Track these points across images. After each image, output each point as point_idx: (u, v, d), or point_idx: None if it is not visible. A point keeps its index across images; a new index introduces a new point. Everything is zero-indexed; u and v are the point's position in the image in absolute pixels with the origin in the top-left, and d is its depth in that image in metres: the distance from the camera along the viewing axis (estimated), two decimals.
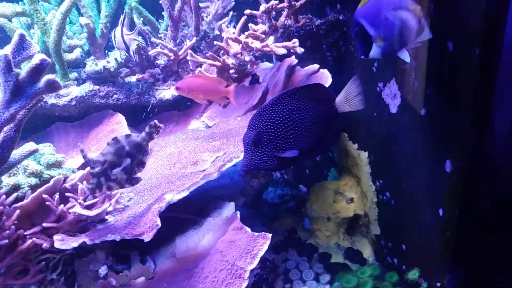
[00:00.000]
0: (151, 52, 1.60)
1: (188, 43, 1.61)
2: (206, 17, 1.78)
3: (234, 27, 1.70)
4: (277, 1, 1.44)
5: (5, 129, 0.95)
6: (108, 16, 1.74)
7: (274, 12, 1.49)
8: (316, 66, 1.35)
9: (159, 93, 1.64)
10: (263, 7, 1.42)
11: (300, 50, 1.30)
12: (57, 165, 1.27)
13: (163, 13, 1.88)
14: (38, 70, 0.89)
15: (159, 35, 1.81)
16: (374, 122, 1.44)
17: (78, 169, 1.31)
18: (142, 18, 1.80)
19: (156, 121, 1.08)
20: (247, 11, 1.45)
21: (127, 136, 1.07)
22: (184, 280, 1.15)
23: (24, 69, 0.89)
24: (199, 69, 1.56)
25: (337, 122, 1.06)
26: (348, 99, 1.02)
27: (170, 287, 1.16)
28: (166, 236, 1.25)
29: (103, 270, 1.17)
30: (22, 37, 1.03)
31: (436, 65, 1.12)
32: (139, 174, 1.09)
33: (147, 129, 1.09)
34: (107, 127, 1.58)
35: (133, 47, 1.53)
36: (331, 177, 1.83)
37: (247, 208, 1.79)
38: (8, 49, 1.01)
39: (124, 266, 1.23)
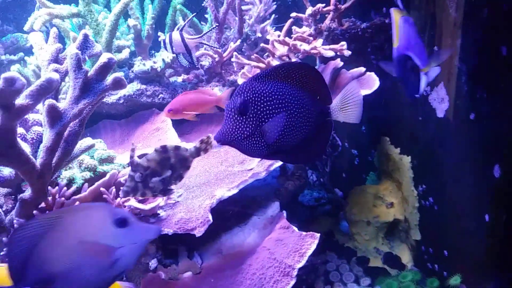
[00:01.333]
0: (197, 53, 1.64)
1: (232, 45, 1.65)
2: (248, 19, 1.81)
3: (278, 30, 1.73)
4: (323, 4, 1.46)
5: (71, 124, 1.00)
6: (154, 18, 1.80)
7: (319, 15, 1.51)
8: (362, 69, 1.36)
9: None
10: (309, 10, 1.44)
11: (347, 52, 1.32)
12: (109, 160, 1.32)
13: (205, 15, 1.93)
14: (106, 68, 0.93)
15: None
16: (419, 126, 1.44)
17: (129, 164, 1.36)
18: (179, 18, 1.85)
19: (210, 135, 1.04)
20: (293, 14, 1.47)
21: (176, 147, 1.04)
22: (231, 276, 1.17)
23: (93, 67, 0.93)
24: (242, 70, 1.59)
25: (326, 131, 0.89)
26: (345, 107, 0.85)
27: (217, 283, 1.18)
28: (212, 232, 1.28)
29: (153, 263, 1.20)
30: (86, 37, 1.09)
31: (488, 70, 1.12)
32: (173, 186, 1.10)
33: (197, 143, 1.05)
34: (152, 125, 1.63)
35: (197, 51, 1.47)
36: (369, 181, 1.83)
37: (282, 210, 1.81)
38: (74, 48, 1.07)
39: (172, 261, 1.27)
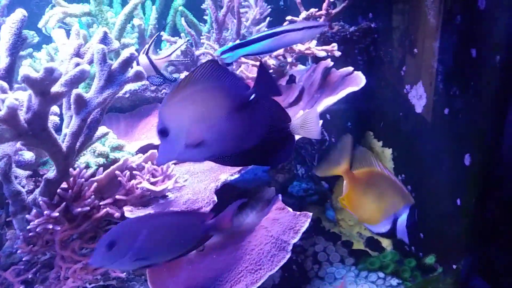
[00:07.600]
0: (198, 52, 1.77)
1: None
2: (245, 21, 1.94)
3: None
4: (316, 9, 1.61)
5: (93, 112, 1.12)
6: (157, 19, 1.92)
7: (311, 19, 1.65)
8: (350, 68, 1.50)
9: None
10: (304, 14, 1.58)
11: (338, 53, 1.47)
12: (119, 148, 1.43)
13: (205, 17, 2.05)
14: (128, 62, 1.05)
15: (201, 38, 1.99)
16: (400, 121, 1.59)
17: (136, 152, 1.48)
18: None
19: None
20: (289, 17, 1.61)
21: None
22: (232, 252, 1.30)
23: (116, 61, 1.05)
24: (240, 68, 1.73)
25: (290, 143, 1.00)
26: (305, 125, 0.97)
27: (219, 258, 1.31)
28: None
29: None
30: (105, 34, 1.21)
31: (460, 70, 1.28)
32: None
33: None
34: (155, 118, 1.75)
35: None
36: None
37: None
38: (97, 43, 1.19)
39: None
